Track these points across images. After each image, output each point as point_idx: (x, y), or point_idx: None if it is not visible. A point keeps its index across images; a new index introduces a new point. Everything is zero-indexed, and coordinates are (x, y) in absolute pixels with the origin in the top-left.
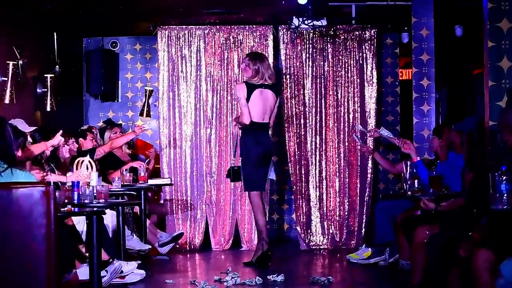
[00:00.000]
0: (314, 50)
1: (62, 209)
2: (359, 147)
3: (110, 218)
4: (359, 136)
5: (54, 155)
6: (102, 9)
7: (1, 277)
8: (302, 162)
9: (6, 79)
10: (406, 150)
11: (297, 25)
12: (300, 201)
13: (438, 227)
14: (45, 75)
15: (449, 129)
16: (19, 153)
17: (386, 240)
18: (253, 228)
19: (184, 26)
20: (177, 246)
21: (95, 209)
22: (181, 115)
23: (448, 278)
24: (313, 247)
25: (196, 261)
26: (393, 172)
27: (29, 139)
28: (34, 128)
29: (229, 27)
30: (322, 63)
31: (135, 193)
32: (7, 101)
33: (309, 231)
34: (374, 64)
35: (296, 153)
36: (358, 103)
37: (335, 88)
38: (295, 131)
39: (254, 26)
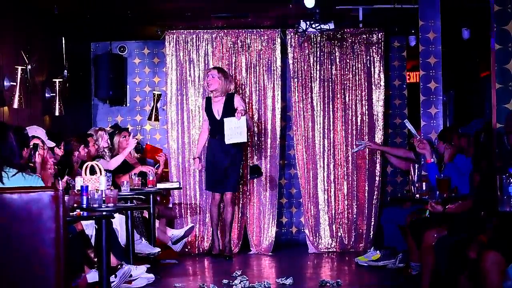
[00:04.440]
0: (321, 53)
1: (71, 214)
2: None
3: (119, 222)
4: (358, 144)
5: (68, 161)
6: (110, 13)
7: (11, 281)
8: (310, 165)
9: (14, 83)
10: (421, 150)
11: (304, 28)
12: (309, 204)
13: (446, 230)
14: (53, 80)
15: (458, 136)
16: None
17: (396, 248)
18: (262, 231)
19: (192, 30)
20: (186, 249)
21: (104, 213)
22: (189, 119)
23: (458, 280)
24: (322, 250)
25: (204, 265)
26: (394, 154)
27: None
28: (53, 144)
29: (236, 31)
30: (329, 66)
31: (144, 197)
32: (15, 105)
33: (317, 234)
34: (381, 67)
35: (304, 156)
36: (366, 106)
37: (342, 91)
38: (303, 134)
39: (261, 30)
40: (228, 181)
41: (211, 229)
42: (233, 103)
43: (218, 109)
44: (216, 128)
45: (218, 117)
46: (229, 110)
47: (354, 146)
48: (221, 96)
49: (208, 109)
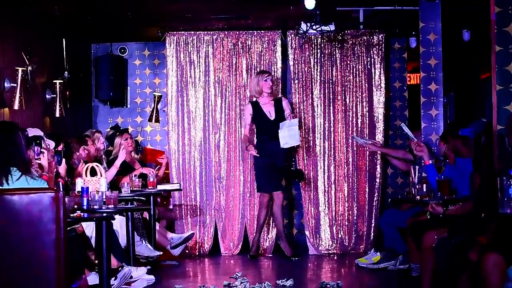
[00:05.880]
0: (322, 55)
1: (71, 215)
2: (367, 148)
3: (119, 224)
4: (359, 137)
5: (67, 163)
6: (110, 15)
7: (11, 283)
8: (311, 166)
9: (15, 85)
10: (419, 152)
11: (305, 30)
12: (309, 205)
13: (446, 231)
14: (54, 81)
15: (453, 137)
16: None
17: (396, 250)
18: (262, 232)
19: (192, 32)
20: (187, 251)
21: (104, 215)
22: (189, 121)
23: (458, 282)
24: (322, 251)
25: (205, 266)
26: (394, 156)
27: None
28: (53, 143)
29: (237, 32)
30: (330, 68)
31: (144, 198)
32: (16, 107)
33: (318, 236)
34: (382, 69)
35: (305, 158)
36: (366, 108)
37: (343, 93)
38: (303, 136)
39: (262, 31)
40: (281, 181)
41: (280, 233)
42: (282, 105)
43: (269, 110)
44: (269, 129)
45: (271, 118)
46: (280, 112)
47: (356, 136)
48: (270, 99)
49: (259, 112)
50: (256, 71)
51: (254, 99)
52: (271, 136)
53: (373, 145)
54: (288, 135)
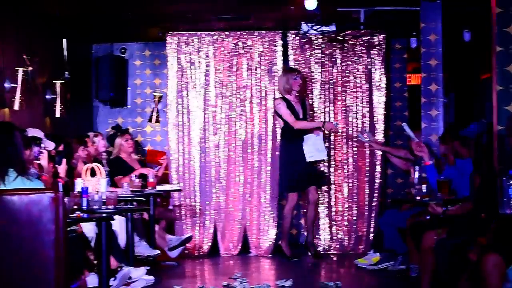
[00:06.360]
0: (322, 55)
1: (71, 215)
2: (367, 145)
3: (118, 224)
4: (364, 135)
5: (68, 163)
6: (111, 15)
7: (11, 283)
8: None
9: (15, 85)
10: (419, 152)
11: (306, 30)
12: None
13: (446, 232)
14: (54, 82)
15: (452, 138)
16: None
17: (396, 250)
18: (262, 233)
19: (193, 32)
20: (186, 252)
21: (104, 215)
22: (190, 121)
23: (458, 282)
24: (322, 252)
25: (204, 267)
26: (395, 155)
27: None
28: (53, 145)
29: (238, 32)
30: (330, 68)
31: (144, 198)
32: (16, 107)
33: (317, 236)
34: (382, 69)
35: None
36: (367, 108)
37: (343, 93)
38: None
39: (263, 31)
40: (318, 177)
41: (284, 233)
42: (306, 105)
43: (298, 108)
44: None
45: (301, 116)
46: (306, 111)
47: (360, 134)
48: (298, 97)
49: (290, 107)
50: (256, 72)
51: (281, 95)
52: (299, 134)
53: (376, 144)
54: (314, 149)
